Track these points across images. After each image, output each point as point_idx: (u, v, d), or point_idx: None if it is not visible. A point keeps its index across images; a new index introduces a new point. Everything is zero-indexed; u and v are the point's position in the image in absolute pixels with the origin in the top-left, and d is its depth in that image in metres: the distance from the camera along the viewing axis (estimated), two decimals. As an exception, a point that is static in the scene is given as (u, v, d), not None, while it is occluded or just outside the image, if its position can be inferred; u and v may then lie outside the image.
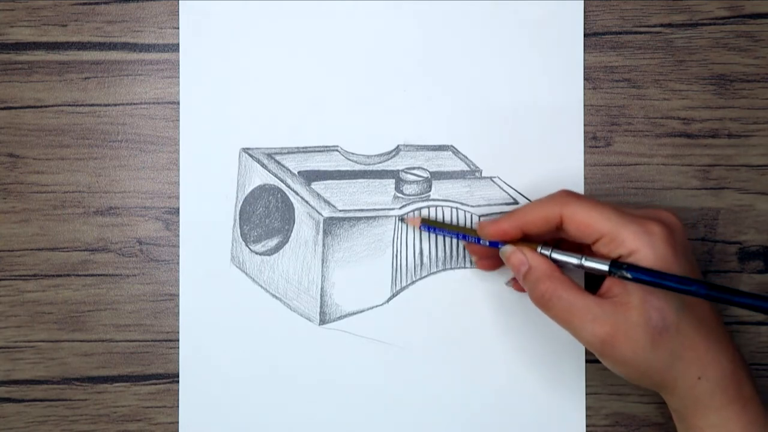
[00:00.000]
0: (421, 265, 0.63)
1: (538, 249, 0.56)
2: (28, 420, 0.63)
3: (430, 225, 0.61)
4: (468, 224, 0.63)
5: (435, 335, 0.63)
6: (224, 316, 0.62)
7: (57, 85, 0.63)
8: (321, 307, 0.62)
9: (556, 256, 0.56)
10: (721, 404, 0.54)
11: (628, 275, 0.52)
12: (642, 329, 0.53)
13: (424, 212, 0.62)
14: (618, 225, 0.53)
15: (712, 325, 0.55)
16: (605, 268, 0.53)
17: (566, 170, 0.63)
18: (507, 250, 0.57)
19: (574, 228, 0.55)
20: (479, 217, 0.62)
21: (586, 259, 0.54)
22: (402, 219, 0.62)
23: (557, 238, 0.58)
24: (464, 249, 0.63)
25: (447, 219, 0.63)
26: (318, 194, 0.62)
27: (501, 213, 0.62)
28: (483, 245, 0.58)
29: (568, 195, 0.56)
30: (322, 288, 0.62)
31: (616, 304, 0.53)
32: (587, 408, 0.63)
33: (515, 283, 0.61)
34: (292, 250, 0.62)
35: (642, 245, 0.53)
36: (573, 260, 0.55)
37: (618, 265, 0.53)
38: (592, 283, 0.61)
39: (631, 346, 0.53)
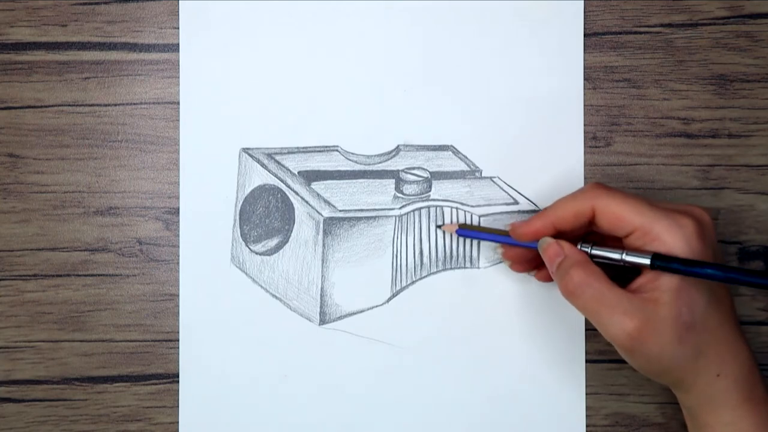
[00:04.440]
0: (421, 265, 0.63)
1: (578, 245, 0.56)
2: (28, 420, 0.63)
3: (467, 229, 0.61)
4: (469, 224, 0.62)
5: (435, 335, 0.63)
6: (224, 316, 0.62)
7: (57, 85, 0.63)
8: (321, 307, 0.62)
9: (596, 252, 0.55)
10: (736, 402, 0.54)
11: (672, 267, 0.52)
12: (671, 325, 0.52)
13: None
14: (651, 219, 0.53)
15: (733, 322, 0.55)
16: (647, 262, 0.53)
17: (566, 170, 0.63)
18: (545, 242, 0.56)
19: (606, 221, 0.55)
20: (479, 217, 0.62)
21: (627, 254, 0.54)
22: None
23: (588, 235, 0.58)
24: (464, 249, 0.63)
25: (447, 219, 0.62)
26: (318, 194, 0.62)
27: (501, 213, 0.62)
28: (520, 247, 0.58)
29: (598, 188, 0.55)
30: (322, 288, 0.62)
31: (646, 300, 0.53)
32: (587, 408, 0.63)
33: (538, 273, 0.61)
34: (292, 250, 0.62)
35: (676, 239, 0.53)
36: (614, 255, 0.55)
37: (660, 258, 0.53)
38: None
39: (658, 341, 0.52)
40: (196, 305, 0.63)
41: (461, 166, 0.63)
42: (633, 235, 0.54)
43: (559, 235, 0.56)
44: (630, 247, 0.54)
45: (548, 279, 0.60)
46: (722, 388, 0.54)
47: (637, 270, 0.56)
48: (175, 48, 0.63)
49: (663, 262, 0.53)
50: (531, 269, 0.61)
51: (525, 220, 0.57)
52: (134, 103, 0.63)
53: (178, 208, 0.63)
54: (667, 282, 0.53)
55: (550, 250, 0.56)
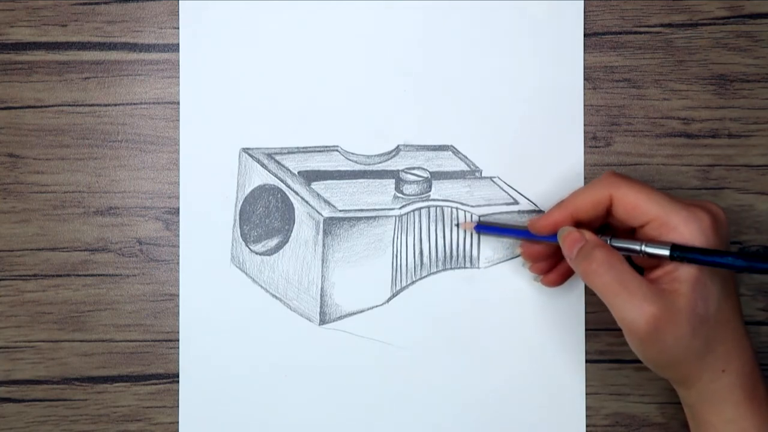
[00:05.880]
0: (421, 265, 0.63)
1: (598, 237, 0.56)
2: (28, 420, 0.63)
3: (486, 226, 0.60)
4: (488, 221, 0.62)
5: (435, 335, 0.63)
6: (224, 316, 0.62)
7: (57, 85, 0.63)
8: (321, 307, 0.62)
9: (616, 243, 0.55)
10: (738, 400, 0.54)
11: (692, 257, 0.52)
12: (686, 316, 0.52)
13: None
14: (668, 209, 0.53)
15: (740, 319, 0.55)
16: (666, 253, 0.53)
17: (566, 170, 0.63)
18: (565, 230, 0.56)
19: (623, 211, 0.55)
20: (479, 216, 0.62)
21: (646, 245, 0.54)
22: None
23: (602, 228, 0.58)
24: (464, 249, 0.63)
25: (447, 219, 0.63)
26: (318, 194, 0.62)
27: (501, 213, 0.62)
28: (539, 243, 0.58)
29: (616, 177, 0.55)
30: (322, 288, 0.62)
31: (664, 290, 0.53)
32: (587, 408, 0.63)
33: (545, 278, 0.60)
34: (292, 250, 0.62)
35: (693, 231, 0.53)
36: (634, 246, 0.54)
37: (679, 248, 0.53)
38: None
39: (674, 332, 0.52)
40: (196, 305, 0.63)
41: (461, 166, 0.63)
42: (649, 225, 0.54)
43: (576, 226, 0.56)
44: (645, 237, 0.54)
45: (555, 283, 0.60)
46: (726, 384, 0.54)
47: (640, 269, 0.56)
48: (175, 48, 0.63)
49: (682, 252, 0.53)
50: (550, 269, 0.60)
51: (543, 214, 0.57)
52: (134, 103, 0.63)
53: (178, 208, 0.63)
54: (685, 273, 0.53)
55: (571, 237, 0.55)
